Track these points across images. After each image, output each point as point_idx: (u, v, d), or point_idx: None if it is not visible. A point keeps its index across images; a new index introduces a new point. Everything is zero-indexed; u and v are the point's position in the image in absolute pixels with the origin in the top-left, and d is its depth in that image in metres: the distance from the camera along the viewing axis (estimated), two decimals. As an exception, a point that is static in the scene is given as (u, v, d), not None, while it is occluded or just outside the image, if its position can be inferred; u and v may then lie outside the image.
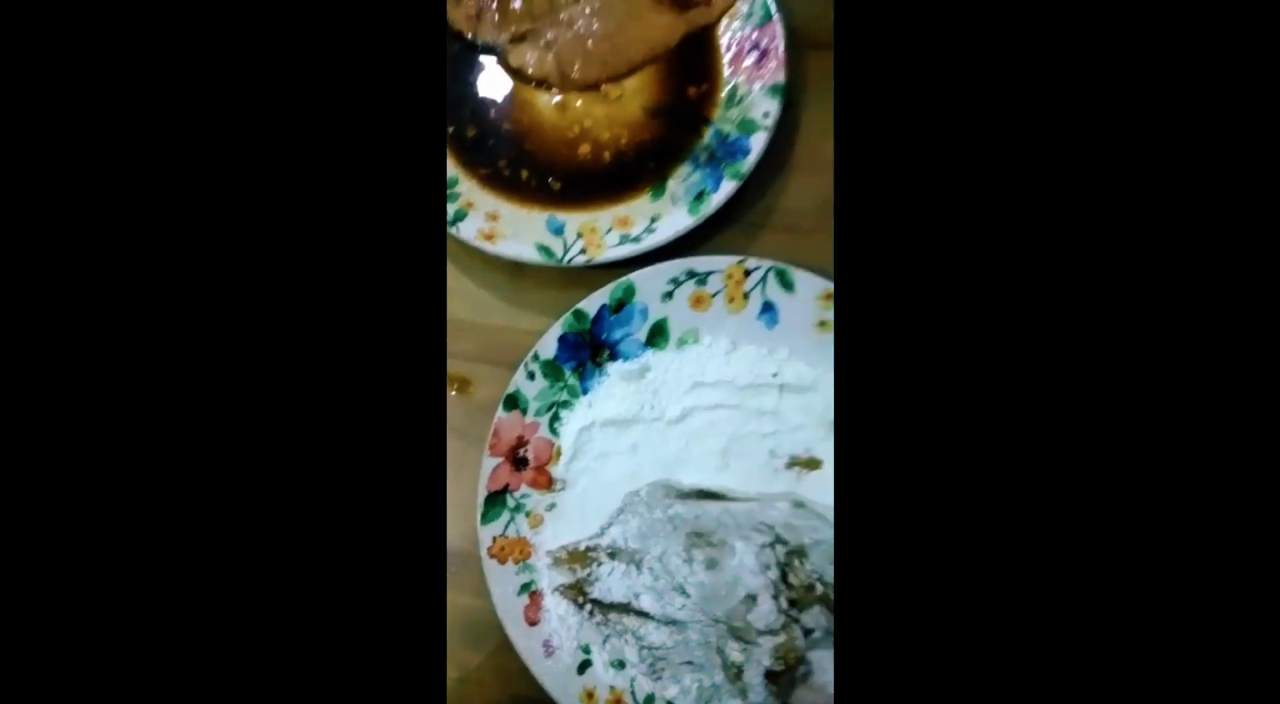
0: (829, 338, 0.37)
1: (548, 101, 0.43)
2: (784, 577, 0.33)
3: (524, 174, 0.42)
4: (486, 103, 0.43)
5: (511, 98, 0.43)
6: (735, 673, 0.32)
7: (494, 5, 0.43)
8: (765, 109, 0.41)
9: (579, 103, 0.43)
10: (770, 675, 0.32)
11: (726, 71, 0.42)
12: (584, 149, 0.42)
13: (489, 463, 0.37)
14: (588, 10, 0.42)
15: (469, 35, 0.44)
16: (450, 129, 0.43)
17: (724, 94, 0.42)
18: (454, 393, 0.41)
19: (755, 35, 0.41)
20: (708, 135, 0.42)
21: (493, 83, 0.44)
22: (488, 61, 0.44)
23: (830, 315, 0.37)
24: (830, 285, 0.37)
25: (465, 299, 0.42)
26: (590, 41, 0.42)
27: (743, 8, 0.42)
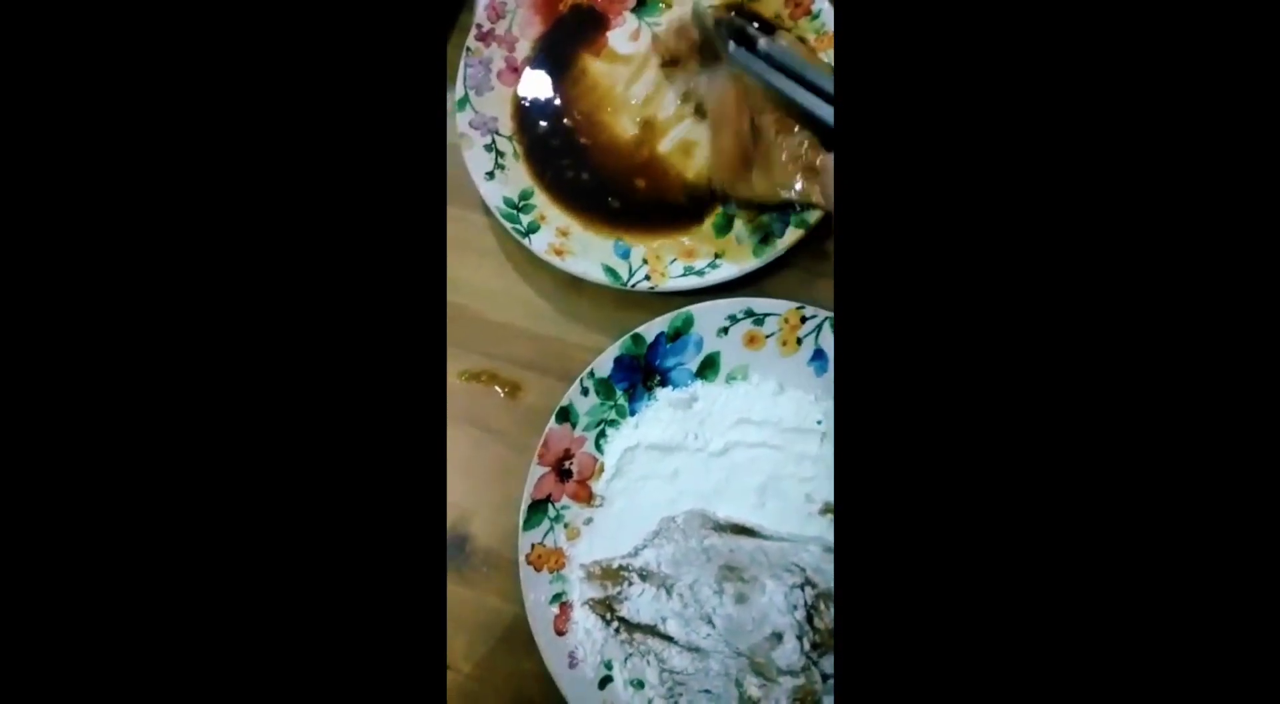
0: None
1: (626, 124, 0.44)
2: (810, 619, 0.34)
3: (591, 186, 0.43)
4: (565, 114, 0.45)
5: (590, 115, 0.45)
6: (752, 707, 0.33)
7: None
8: (837, 163, 0.42)
9: (655, 129, 0.44)
10: (787, 714, 0.33)
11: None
12: (650, 174, 0.43)
13: (536, 471, 0.38)
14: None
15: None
16: (524, 143, 0.44)
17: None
18: (503, 396, 0.43)
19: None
20: (778, 181, 0.43)
21: (579, 94, 0.45)
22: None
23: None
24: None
25: (523, 306, 0.44)
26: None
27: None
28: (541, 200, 0.43)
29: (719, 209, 0.42)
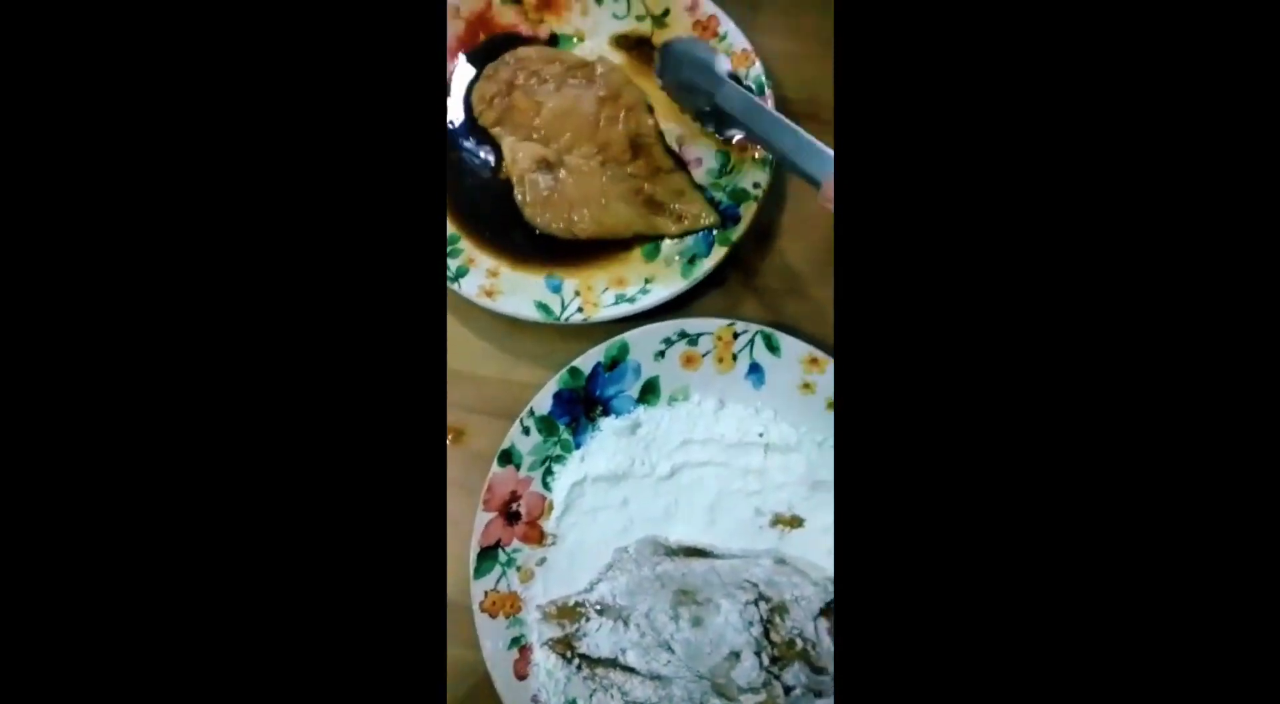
0: (812, 400, 0.39)
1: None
2: (766, 634, 0.34)
3: (520, 238, 0.44)
4: (482, 172, 0.45)
5: (507, 172, 0.45)
6: (718, 730, 0.33)
7: (508, 104, 0.45)
8: (755, 179, 0.43)
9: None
10: (752, 733, 0.33)
11: (719, 143, 0.44)
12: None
13: (482, 517, 0.38)
14: (569, 173, 0.43)
15: (478, 118, 0.46)
16: (452, 191, 0.45)
17: (717, 163, 0.44)
18: (449, 442, 0.42)
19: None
20: (700, 202, 0.44)
21: (491, 159, 0.45)
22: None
23: (813, 378, 0.39)
24: (813, 350, 0.39)
25: (462, 350, 0.44)
26: (567, 198, 0.43)
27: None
28: (468, 245, 0.44)
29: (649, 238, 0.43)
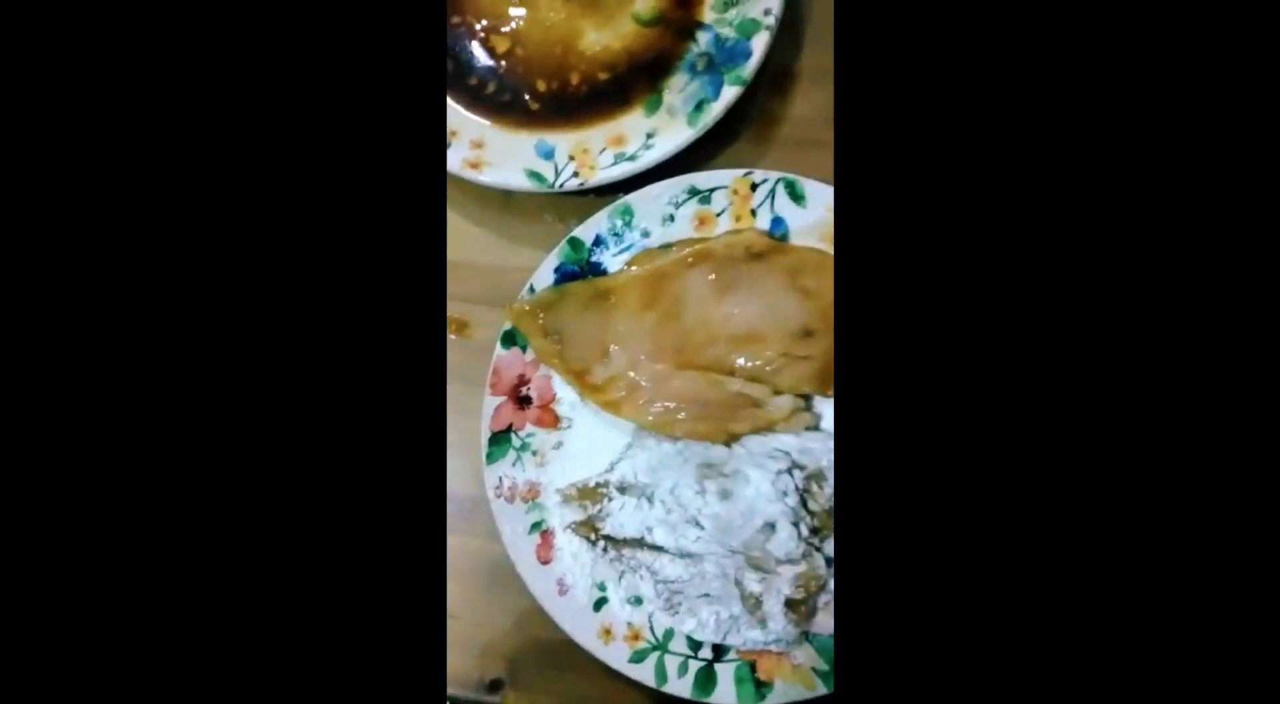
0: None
1: (533, 17, 0.39)
2: (804, 503, 0.31)
3: (508, 95, 0.39)
4: (468, 21, 0.40)
5: (496, 15, 0.40)
6: (754, 603, 0.31)
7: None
8: (766, 6, 0.37)
9: (564, 15, 0.39)
10: (790, 604, 0.31)
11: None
12: (571, 64, 0.39)
13: (490, 402, 0.36)
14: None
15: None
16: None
17: (720, -8, 0.38)
18: (453, 336, 0.40)
19: (752, -79, 0.37)
20: (704, 41, 0.38)
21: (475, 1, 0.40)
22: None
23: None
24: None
25: (457, 238, 0.40)
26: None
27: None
28: (450, 111, 0.39)
29: (650, 88, 0.38)
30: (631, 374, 0.35)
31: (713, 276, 0.34)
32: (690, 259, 0.35)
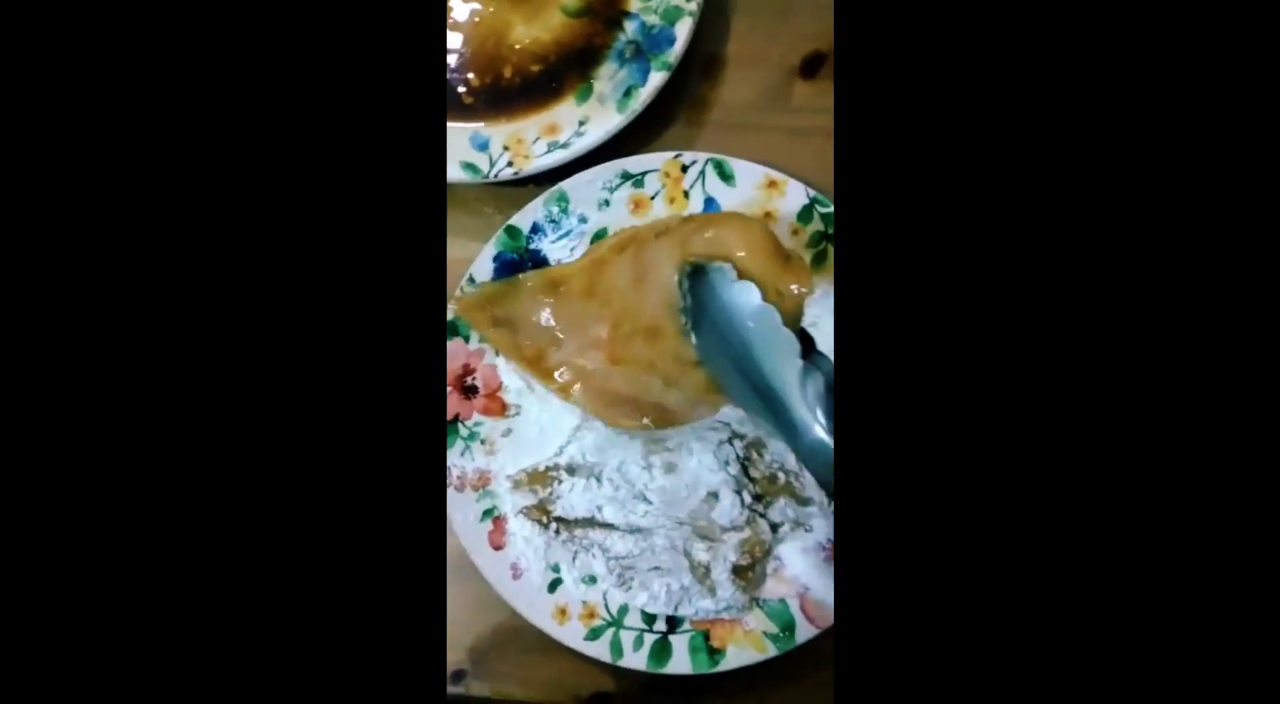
0: (777, 229, 0.35)
1: (462, 13, 0.40)
2: (745, 472, 0.32)
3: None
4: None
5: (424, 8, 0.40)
6: (703, 572, 0.32)
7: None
8: (689, -9, 0.38)
9: (493, 9, 0.40)
10: (738, 571, 0.31)
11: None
12: (503, 57, 0.39)
13: (435, 393, 0.36)
14: None
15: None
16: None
17: (645, -18, 0.39)
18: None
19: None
20: (631, 29, 0.39)
21: None
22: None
23: (773, 205, 0.36)
24: (770, 172, 0.35)
25: (399, 234, 0.40)
26: None
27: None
28: (381, 110, 0.39)
29: (581, 77, 0.38)
30: (580, 361, 0.35)
31: (630, 263, 0.33)
32: (619, 244, 0.35)
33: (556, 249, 0.37)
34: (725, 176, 0.36)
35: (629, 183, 0.37)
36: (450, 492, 0.35)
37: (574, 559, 0.34)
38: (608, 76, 0.38)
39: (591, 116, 0.38)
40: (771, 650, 0.32)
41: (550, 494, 0.34)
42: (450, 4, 0.40)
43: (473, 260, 0.37)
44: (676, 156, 0.36)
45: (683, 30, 0.37)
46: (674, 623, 0.33)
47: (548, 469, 0.34)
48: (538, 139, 0.38)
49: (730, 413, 0.33)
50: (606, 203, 0.37)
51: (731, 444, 0.32)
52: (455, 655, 0.36)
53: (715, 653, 0.32)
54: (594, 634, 0.33)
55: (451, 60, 0.40)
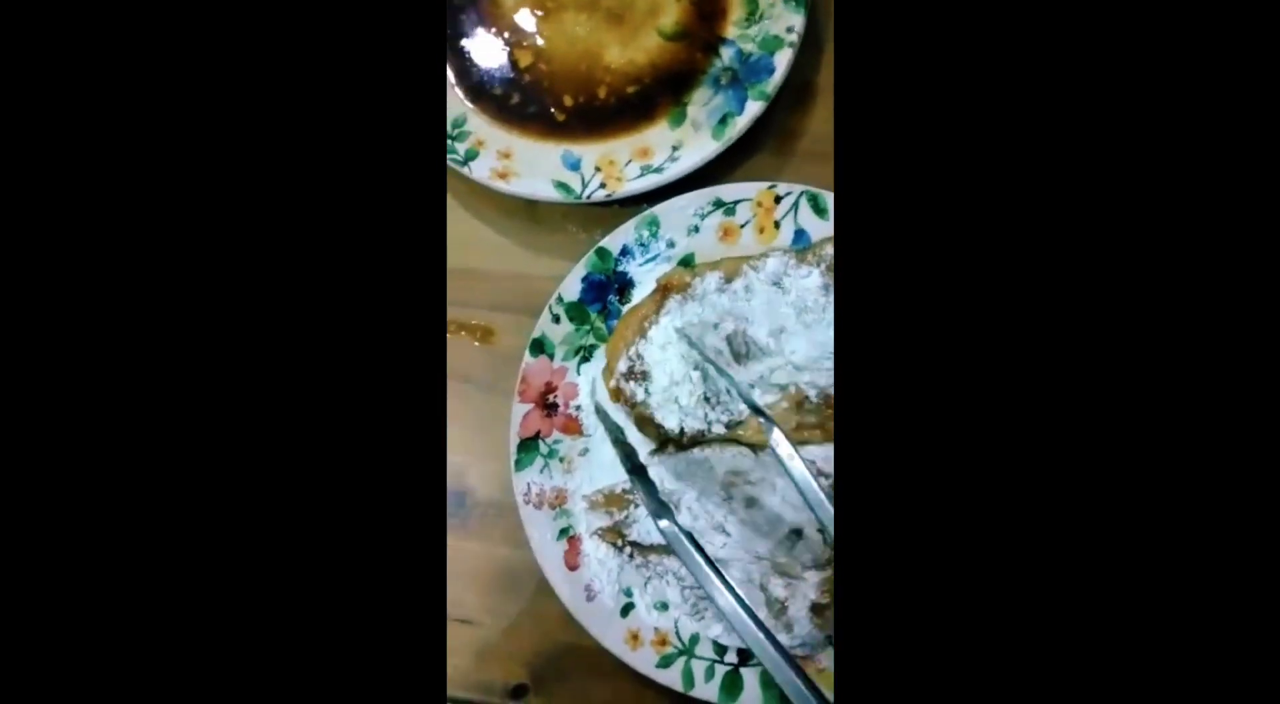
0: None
1: (558, 31, 0.40)
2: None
3: (534, 107, 0.40)
4: (493, 34, 0.41)
5: (520, 29, 0.41)
6: (779, 608, 0.31)
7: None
8: (789, 23, 0.38)
9: (589, 30, 0.40)
10: (816, 609, 0.31)
11: (745, -15, 0.39)
12: (598, 78, 0.40)
13: (519, 409, 0.36)
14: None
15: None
16: (454, 66, 0.41)
17: (743, 10, 0.39)
18: (477, 343, 0.40)
19: (775, -59, 0.38)
20: (727, 55, 0.39)
21: (500, 14, 0.41)
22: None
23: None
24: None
25: (482, 247, 0.41)
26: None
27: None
28: (476, 124, 0.40)
29: (675, 102, 0.39)
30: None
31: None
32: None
33: (643, 272, 0.37)
34: (819, 210, 0.36)
35: (720, 210, 0.37)
36: (529, 509, 0.35)
37: (646, 585, 0.34)
38: (702, 102, 0.39)
39: (685, 141, 0.38)
40: (844, 693, 0.32)
41: (626, 517, 0.34)
42: (546, 23, 0.40)
43: (559, 278, 0.37)
44: (771, 187, 0.36)
45: (782, 61, 0.37)
46: (744, 655, 0.33)
47: (624, 492, 0.35)
48: (630, 161, 0.38)
49: (815, 451, 0.32)
50: (696, 229, 0.37)
51: (817, 481, 0.32)
52: (517, 671, 0.37)
53: (786, 691, 0.32)
54: (665, 662, 0.33)
55: (544, 79, 0.40)
